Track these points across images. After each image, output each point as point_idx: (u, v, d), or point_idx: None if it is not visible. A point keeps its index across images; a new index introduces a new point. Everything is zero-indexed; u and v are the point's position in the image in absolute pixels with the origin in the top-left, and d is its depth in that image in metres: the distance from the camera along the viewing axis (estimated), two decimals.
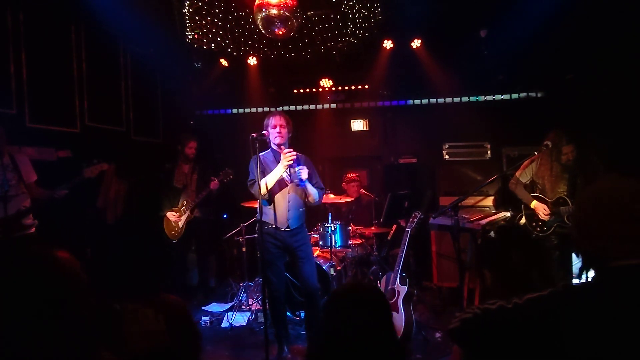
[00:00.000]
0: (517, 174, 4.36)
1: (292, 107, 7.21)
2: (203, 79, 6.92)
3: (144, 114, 6.24)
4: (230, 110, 7.51)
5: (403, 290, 3.96)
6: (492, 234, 1.54)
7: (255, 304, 4.89)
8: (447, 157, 6.43)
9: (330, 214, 5.03)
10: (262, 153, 3.82)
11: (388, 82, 6.81)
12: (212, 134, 7.03)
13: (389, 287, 4.06)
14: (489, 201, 5.60)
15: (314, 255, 4.48)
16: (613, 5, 4.67)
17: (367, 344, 1.34)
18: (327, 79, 6.97)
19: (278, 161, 3.78)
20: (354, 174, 5.92)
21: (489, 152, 6.35)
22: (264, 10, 4.11)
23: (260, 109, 7.27)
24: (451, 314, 4.68)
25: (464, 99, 6.72)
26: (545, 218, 4.12)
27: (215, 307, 5.19)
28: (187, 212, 5.24)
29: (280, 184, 3.72)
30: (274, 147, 3.82)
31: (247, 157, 3.71)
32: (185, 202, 5.26)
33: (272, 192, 3.70)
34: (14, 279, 1.16)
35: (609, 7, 4.69)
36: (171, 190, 5.34)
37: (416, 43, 6.24)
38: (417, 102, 6.92)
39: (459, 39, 5.95)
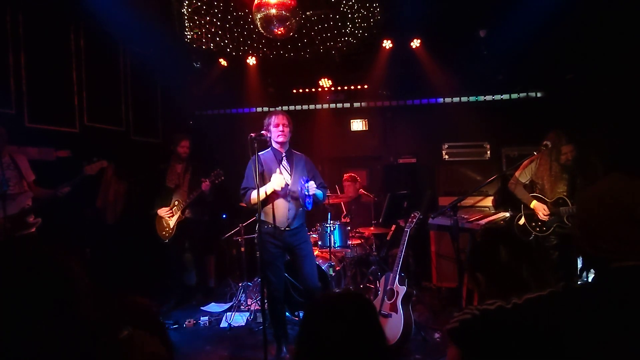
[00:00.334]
0: (517, 174, 4.35)
1: (292, 107, 7.21)
2: (202, 79, 6.91)
3: (143, 114, 6.24)
4: (229, 110, 7.51)
5: (402, 290, 3.95)
6: (477, 237, 1.54)
7: (254, 304, 4.89)
8: (446, 157, 6.43)
9: (329, 213, 5.03)
10: (262, 152, 3.81)
11: (387, 82, 6.81)
12: (212, 134, 7.03)
13: (388, 288, 4.05)
14: (488, 201, 5.60)
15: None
16: (613, 5, 4.67)
17: (347, 357, 1.24)
18: (326, 79, 6.97)
19: (278, 160, 3.77)
20: (350, 174, 5.93)
21: (489, 152, 6.35)
22: (263, 10, 4.11)
23: (259, 109, 7.28)
24: (450, 314, 4.68)
25: (464, 99, 6.72)
26: (545, 218, 4.11)
27: (214, 307, 5.19)
28: (178, 213, 5.16)
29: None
30: (275, 145, 3.80)
31: (247, 157, 3.69)
32: (177, 202, 5.19)
33: (272, 193, 3.68)
34: (24, 279, 1.16)
35: (609, 7, 4.68)
36: (163, 190, 5.26)
37: (415, 43, 6.24)
38: (417, 102, 6.92)
39: (458, 39, 5.95)
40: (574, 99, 5.59)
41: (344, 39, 5.56)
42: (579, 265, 4.33)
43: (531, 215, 4.23)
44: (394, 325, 3.79)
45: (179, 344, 4.24)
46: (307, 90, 7.26)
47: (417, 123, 6.95)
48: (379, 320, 1.38)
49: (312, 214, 4.10)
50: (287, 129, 3.74)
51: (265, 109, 7.11)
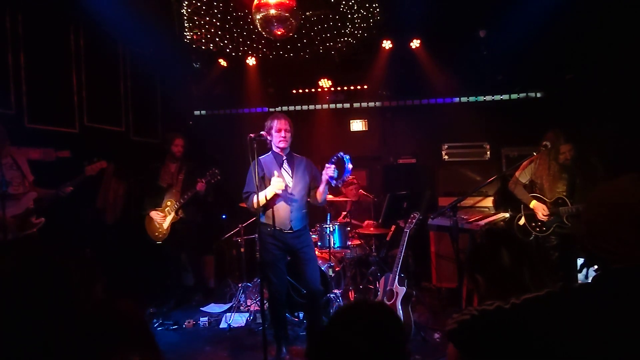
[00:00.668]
0: (517, 174, 4.36)
1: (291, 108, 7.21)
2: (202, 79, 6.92)
3: (143, 114, 6.24)
4: (229, 110, 7.51)
5: (402, 291, 3.95)
6: (477, 239, 1.52)
7: (253, 304, 4.88)
8: (446, 157, 6.42)
9: (329, 214, 5.03)
10: (263, 156, 3.80)
11: (387, 83, 6.81)
12: (211, 134, 7.03)
13: (388, 288, 4.05)
14: (488, 202, 5.59)
15: None
16: (612, 4, 4.67)
17: None
18: (326, 79, 6.96)
19: (279, 164, 3.76)
20: (351, 177, 5.91)
21: (488, 152, 6.34)
22: (262, 10, 4.10)
23: (259, 110, 7.27)
24: (450, 314, 4.65)
25: (463, 99, 6.72)
26: (544, 218, 4.11)
27: (213, 308, 5.18)
28: (172, 213, 5.09)
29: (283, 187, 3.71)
30: (275, 149, 3.79)
31: (246, 158, 3.66)
32: (169, 203, 5.12)
33: (274, 195, 3.67)
34: (23, 279, 1.16)
35: (609, 7, 4.68)
36: (154, 189, 5.18)
37: (415, 43, 6.24)
38: (417, 102, 6.91)
39: (458, 39, 5.95)
40: (574, 99, 5.59)
41: (344, 39, 5.57)
42: (579, 265, 4.33)
43: (531, 215, 4.22)
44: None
45: (178, 344, 4.24)
46: (306, 90, 7.26)
47: (416, 123, 6.94)
48: (403, 330, 1.33)
49: (311, 214, 4.09)
50: (288, 134, 3.72)
51: (265, 109, 7.11)
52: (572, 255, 4.25)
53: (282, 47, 5.74)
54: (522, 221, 4.30)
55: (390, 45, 6.30)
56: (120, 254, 5.19)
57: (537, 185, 4.24)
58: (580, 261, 4.31)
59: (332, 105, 7.19)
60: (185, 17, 5.26)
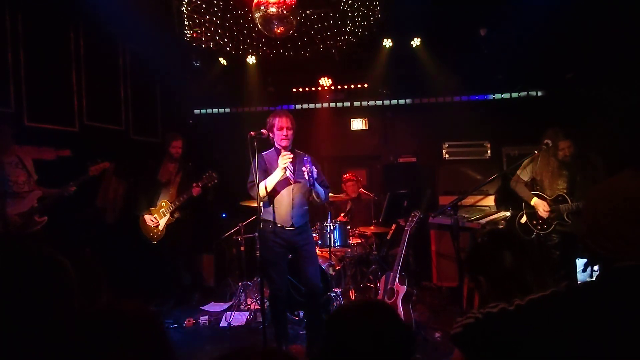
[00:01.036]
0: (519, 172, 4.37)
1: (292, 106, 7.19)
2: (202, 78, 6.90)
3: (143, 113, 6.23)
4: (229, 109, 7.50)
5: (402, 289, 3.94)
6: (479, 239, 1.51)
7: (254, 303, 4.88)
8: (446, 156, 6.42)
9: (329, 213, 5.02)
10: (266, 152, 3.80)
11: (388, 81, 6.80)
12: (211, 133, 7.02)
13: (389, 287, 4.05)
14: (488, 200, 5.59)
15: None
16: (613, 3, 4.66)
17: None
18: (326, 78, 6.96)
19: None
20: (350, 174, 5.91)
21: (489, 151, 6.34)
22: (262, 8, 4.09)
23: (259, 108, 7.26)
24: (451, 313, 4.68)
25: (464, 97, 6.70)
26: (545, 215, 4.11)
27: (214, 307, 5.18)
28: (167, 215, 5.03)
29: (285, 182, 3.70)
30: (277, 146, 3.77)
31: (247, 156, 3.65)
32: (164, 204, 5.05)
33: (275, 191, 3.67)
34: (17, 276, 1.15)
35: (609, 6, 4.67)
36: (153, 184, 5.10)
37: (416, 42, 6.23)
38: (417, 101, 6.90)
39: (458, 38, 5.93)
40: (574, 98, 5.58)
41: (344, 37, 5.55)
42: (579, 265, 4.32)
43: (533, 213, 4.23)
44: None
45: (178, 343, 4.23)
46: (307, 89, 7.25)
47: (417, 122, 6.94)
48: (405, 328, 1.32)
49: (312, 212, 4.09)
50: (290, 132, 3.70)
51: (265, 108, 7.09)
52: (573, 254, 4.24)
53: (282, 46, 5.72)
54: (523, 219, 4.31)
55: (391, 44, 6.29)
56: (120, 254, 5.18)
57: (538, 182, 4.26)
58: (582, 261, 4.31)
59: (333, 104, 7.18)
60: (185, 16, 5.24)
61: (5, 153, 3.97)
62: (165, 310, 5.04)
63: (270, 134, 3.70)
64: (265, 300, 3.72)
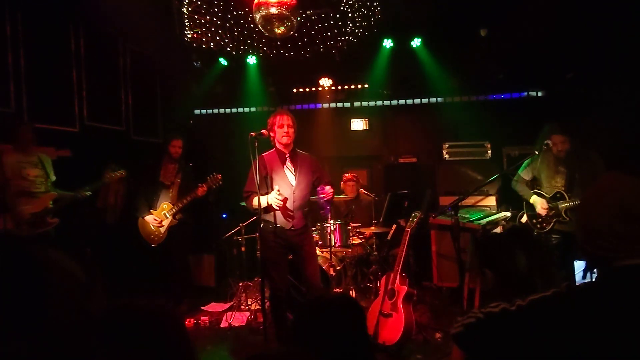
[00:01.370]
0: (520, 171, 4.39)
1: (292, 107, 7.20)
2: (202, 78, 6.91)
3: (143, 114, 6.23)
4: (229, 109, 7.50)
5: (403, 290, 3.94)
6: (498, 230, 1.51)
7: (254, 303, 4.88)
8: (447, 156, 6.42)
9: (329, 213, 5.01)
10: (266, 153, 3.79)
11: (388, 82, 6.80)
12: (212, 133, 7.03)
13: (389, 287, 4.04)
14: (489, 201, 5.58)
15: None
16: (613, 3, 4.66)
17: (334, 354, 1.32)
18: (326, 78, 6.96)
19: (282, 162, 3.74)
20: (351, 174, 5.91)
21: (489, 151, 6.33)
22: (263, 9, 4.09)
23: (259, 109, 7.26)
24: (451, 314, 4.67)
25: (464, 98, 6.71)
26: (543, 212, 4.12)
27: (214, 307, 5.18)
28: (170, 217, 4.93)
29: (286, 185, 3.69)
30: (278, 146, 3.74)
31: (247, 157, 3.62)
32: (165, 206, 4.93)
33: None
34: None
35: (609, 6, 4.68)
36: (153, 185, 5.00)
37: (416, 42, 6.23)
38: (417, 101, 6.91)
39: (459, 38, 5.94)
40: (575, 98, 5.58)
41: (345, 38, 5.55)
42: (577, 268, 4.33)
43: (534, 213, 4.24)
44: (395, 325, 3.78)
45: None
46: (307, 89, 7.25)
47: (417, 122, 6.94)
48: (365, 323, 1.47)
49: (312, 212, 4.10)
50: (291, 130, 3.67)
51: (266, 108, 7.10)
52: (572, 255, 4.25)
53: (283, 46, 5.72)
54: (524, 219, 4.31)
55: (391, 44, 6.29)
56: (120, 254, 5.18)
57: (537, 181, 4.28)
58: (580, 263, 4.31)
59: (333, 105, 7.18)
60: (185, 16, 5.24)
61: (26, 152, 4.05)
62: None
63: (271, 133, 3.68)
64: (266, 301, 3.71)
